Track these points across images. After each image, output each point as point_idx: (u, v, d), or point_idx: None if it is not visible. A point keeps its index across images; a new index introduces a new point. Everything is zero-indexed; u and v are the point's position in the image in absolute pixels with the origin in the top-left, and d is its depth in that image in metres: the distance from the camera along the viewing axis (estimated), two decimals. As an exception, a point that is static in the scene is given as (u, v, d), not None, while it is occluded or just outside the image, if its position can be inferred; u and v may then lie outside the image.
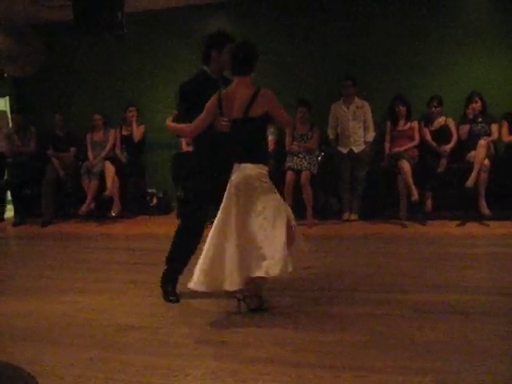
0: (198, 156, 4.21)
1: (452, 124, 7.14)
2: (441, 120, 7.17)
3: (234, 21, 8.28)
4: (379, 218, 7.05)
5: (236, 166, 3.73)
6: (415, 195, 6.55)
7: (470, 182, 6.53)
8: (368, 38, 7.75)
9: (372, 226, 6.83)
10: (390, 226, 6.74)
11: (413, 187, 6.57)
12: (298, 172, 7.07)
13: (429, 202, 6.87)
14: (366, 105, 7.40)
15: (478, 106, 6.96)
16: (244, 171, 3.68)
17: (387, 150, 7.20)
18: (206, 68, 4.18)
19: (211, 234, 3.70)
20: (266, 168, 3.77)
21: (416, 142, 7.11)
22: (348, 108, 7.39)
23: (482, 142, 6.66)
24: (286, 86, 7.79)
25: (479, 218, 6.63)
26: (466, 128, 6.97)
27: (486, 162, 6.61)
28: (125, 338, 3.45)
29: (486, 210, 6.62)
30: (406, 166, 6.67)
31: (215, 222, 3.72)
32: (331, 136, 7.47)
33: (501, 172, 6.77)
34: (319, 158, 7.34)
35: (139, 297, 4.34)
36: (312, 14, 7.95)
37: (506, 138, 6.85)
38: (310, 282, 4.51)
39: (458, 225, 6.58)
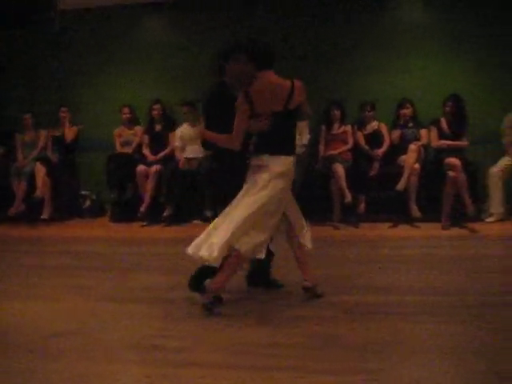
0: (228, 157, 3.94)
1: (384, 128, 7.32)
2: (374, 124, 7.34)
3: (172, 21, 8.22)
4: (313, 220, 7.09)
5: (268, 157, 3.73)
6: (348, 198, 6.67)
7: (400, 185, 6.71)
8: (304, 42, 7.84)
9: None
10: (323, 228, 6.82)
11: (346, 190, 6.69)
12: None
13: (362, 205, 7.02)
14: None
15: (408, 111, 7.17)
16: (284, 163, 3.75)
17: (321, 153, 7.30)
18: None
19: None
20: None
21: (349, 145, 7.24)
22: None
23: (413, 146, 6.86)
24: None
25: (410, 220, 6.82)
26: (397, 133, 7.16)
27: (417, 165, 6.81)
28: (57, 345, 3.34)
29: (416, 213, 6.81)
30: (339, 169, 6.78)
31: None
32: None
33: (430, 176, 6.97)
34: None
35: (72, 302, 4.22)
36: (245, 14, 7.98)
37: (435, 143, 7.06)
38: (245, 285, 4.51)
39: (390, 227, 6.74)
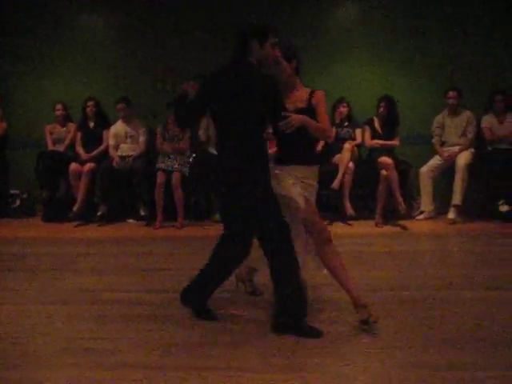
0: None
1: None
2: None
3: (106, 18, 8.08)
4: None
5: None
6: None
7: (335, 184, 6.81)
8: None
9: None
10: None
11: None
12: (168, 173, 7.01)
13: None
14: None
15: (344, 110, 7.29)
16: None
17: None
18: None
19: None
20: None
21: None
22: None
23: (347, 145, 6.98)
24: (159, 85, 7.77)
25: (344, 218, 6.93)
26: (332, 132, 7.26)
27: (351, 164, 6.93)
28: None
29: (350, 211, 6.93)
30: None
31: None
32: (202, 137, 7.47)
33: (364, 174, 7.10)
34: (190, 159, 7.32)
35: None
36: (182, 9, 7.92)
37: (368, 142, 7.20)
38: (182, 283, 4.46)
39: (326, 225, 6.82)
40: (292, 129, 3.35)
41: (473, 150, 7.31)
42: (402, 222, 6.79)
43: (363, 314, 3.41)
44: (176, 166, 7.05)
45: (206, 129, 7.46)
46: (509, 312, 3.73)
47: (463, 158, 7.12)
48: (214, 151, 7.33)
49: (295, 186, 3.60)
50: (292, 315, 3.35)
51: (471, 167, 7.13)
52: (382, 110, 7.11)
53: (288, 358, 3.02)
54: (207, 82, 3.49)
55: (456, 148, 7.29)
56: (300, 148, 3.64)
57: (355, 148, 7.16)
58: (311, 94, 3.68)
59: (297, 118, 3.37)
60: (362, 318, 3.41)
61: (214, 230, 6.74)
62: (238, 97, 3.36)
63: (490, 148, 7.37)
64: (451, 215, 7.00)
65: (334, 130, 7.22)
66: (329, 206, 7.07)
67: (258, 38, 3.41)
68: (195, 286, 3.70)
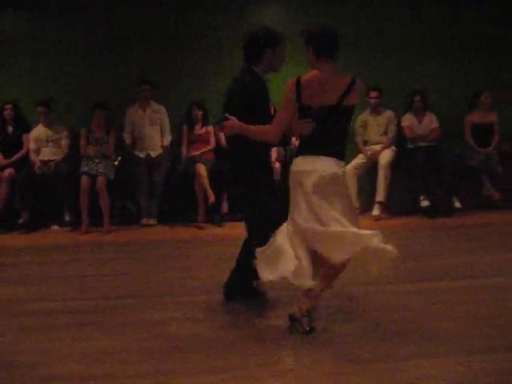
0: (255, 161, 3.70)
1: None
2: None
3: (31, 22, 7.84)
4: (178, 221, 7.09)
5: (313, 158, 3.32)
6: (212, 198, 6.70)
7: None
8: (164, 42, 7.75)
9: (171, 230, 6.85)
10: (188, 229, 6.82)
11: (209, 190, 6.72)
12: (93, 177, 6.85)
13: (225, 204, 7.08)
14: (163, 109, 7.42)
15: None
16: (329, 167, 3.31)
17: (184, 154, 7.27)
18: (254, 68, 3.73)
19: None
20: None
21: (212, 145, 7.28)
22: (144, 112, 7.35)
23: (274, 148, 7.02)
24: (82, 87, 7.58)
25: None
26: (276, 133, 7.30)
27: (277, 165, 6.98)
28: None
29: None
30: (202, 169, 6.80)
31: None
32: (127, 140, 7.36)
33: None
34: (116, 163, 7.18)
35: None
36: (108, 14, 7.75)
37: (296, 143, 7.27)
38: (110, 289, 4.39)
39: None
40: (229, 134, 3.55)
41: (394, 148, 7.54)
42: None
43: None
44: (101, 169, 6.90)
45: (131, 132, 7.35)
46: (431, 302, 3.87)
47: (385, 156, 7.33)
48: (140, 154, 7.24)
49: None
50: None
51: (393, 165, 7.35)
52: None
53: (222, 359, 3.01)
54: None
55: (378, 146, 7.49)
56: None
57: (281, 148, 7.20)
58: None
59: (229, 125, 3.46)
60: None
61: (144, 235, 6.71)
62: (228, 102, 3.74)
63: (410, 146, 7.62)
64: (376, 212, 7.19)
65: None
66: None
67: (271, 47, 3.66)
68: (236, 280, 3.95)
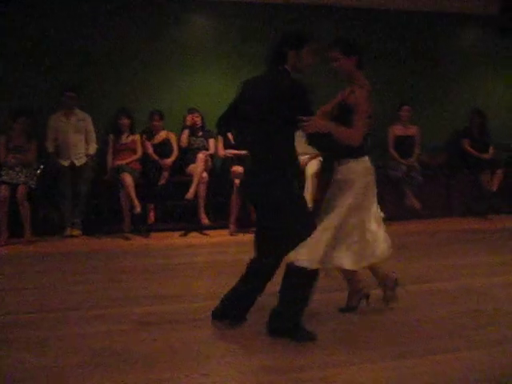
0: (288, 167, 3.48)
1: (173, 138, 7.38)
2: (162, 134, 7.35)
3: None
4: (103, 232, 6.93)
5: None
6: (138, 208, 6.59)
7: (190, 194, 6.81)
8: (91, 49, 7.57)
9: (96, 241, 6.68)
10: (114, 240, 6.67)
11: (135, 200, 6.61)
12: (13, 186, 6.59)
13: (151, 214, 6.98)
14: (88, 117, 7.25)
15: (198, 120, 7.31)
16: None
17: (110, 163, 7.13)
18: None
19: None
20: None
21: (138, 155, 7.17)
22: (68, 120, 7.15)
23: (201, 155, 7.01)
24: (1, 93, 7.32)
25: (200, 227, 6.94)
26: (185, 133, 7.30)
27: (205, 174, 6.97)
28: None
29: (205, 220, 6.96)
30: (128, 178, 6.68)
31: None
32: (50, 149, 7.13)
33: (218, 184, 7.17)
34: (38, 171, 6.95)
35: None
36: (32, 17, 7.50)
37: (222, 152, 7.28)
38: (27, 303, 4.22)
39: (180, 235, 6.81)
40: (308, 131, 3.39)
41: (321, 158, 7.64)
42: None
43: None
44: (22, 178, 6.65)
45: (54, 139, 7.13)
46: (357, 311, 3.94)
47: (312, 167, 7.41)
48: (64, 163, 7.03)
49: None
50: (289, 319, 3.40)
51: (320, 175, 7.44)
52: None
53: (149, 371, 2.94)
54: (240, 88, 3.63)
55: (305, 157, 7.58)
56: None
57: (209, 158, 7.21)
58: (352, 91, 3.57)
59: (314, 124, 3.35)
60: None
61: (68, 246, 6.50)
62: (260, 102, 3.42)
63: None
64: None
65: (187, 137, 7.23)
66: (184, 216, 7.06)
67: (294, 48, 3.45)
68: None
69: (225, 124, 3.90)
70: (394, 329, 3.59)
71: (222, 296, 3.69)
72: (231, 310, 3.66)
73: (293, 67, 3.48)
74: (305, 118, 3.30)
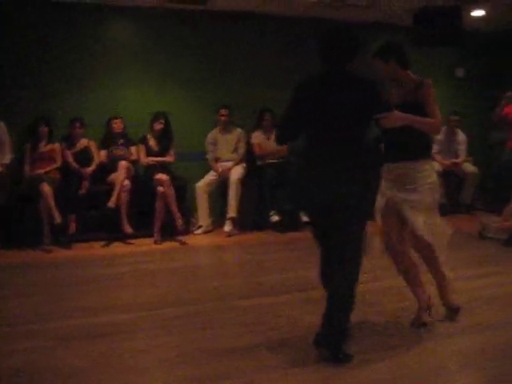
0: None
1: (94, 146, 7.20)
2: (83, 142, 7.17)
3: None
4: (21, 245, 6.63)
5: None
6: (58, 218, 6.38)
7: (111, 203, 6.66)
8: (6, 55, 7.26)
9: (13, 254, 6.37)
10: (33, 252, 6.38)
11: (55, 210, 6.40)
12: None
13: (72, 225, 6.77)
14: (2, 125, 6.94)
15: (119, 127, 7.17)
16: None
17: (27, 173, 6.86)
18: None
19: None
20: None
21: (57, 163, 6.94)
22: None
23: (123, 163, 6.87)
24: None
25: (123, 237, 6.80)
26: (104, 152, 7.14)
27: (127, 182, 6.83)
28: None
29: (128, 229, 6.82)
30: (46, 188, 6.45)
31: None
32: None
33: (140, 192, 7.05)
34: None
35: None
36: None
37: (144, 159, 7.17)
38: None
39: (103, 245, 6.64)
40: (391, 126, 3.36)
41: (244, 164, 7.68)
42: (180, 238, 6.86)
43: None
44: None
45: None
46: (277, 315, 3.95)
47: (236, 173, 7.45)
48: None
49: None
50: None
51: (244, 181, 7.48)
52: (157, 126, 7.14)
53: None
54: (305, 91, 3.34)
55: (229, 163, 7.60)
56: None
57: (131, 165, 7.08)
58: (419, 85, 3.62)
59: (394, 117, 3.35)
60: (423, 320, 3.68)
61: None
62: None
63: (259, 162, 7.81)
64: (227, 228, 7.26)
65: (105, 151, 7.08)
66: (106, 225, 6.89)
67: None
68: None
69: (293, 132, 3.44)
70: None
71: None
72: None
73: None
74: (383, 114, 3.31)
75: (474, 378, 2.99)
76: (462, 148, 8.61)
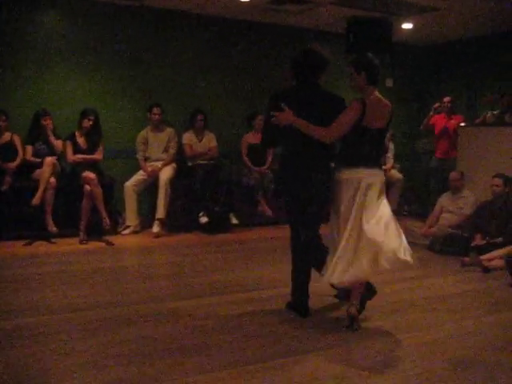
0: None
1: (18, 140, 6.93)
2: (6, 135, 6.89)
3: None
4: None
5: (364, 169, 3.78)
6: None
7: (36, 200, 6.44)
8: None
9: None
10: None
11: None
12: None
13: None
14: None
15: (48, 124, 6.92)
16: (375, 175, 3.81)
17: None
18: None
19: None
20: None
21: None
22: None
23: (48, 160, 6.66)
24: None
25: (47, 235, 6.58)
26: (29, 148, 6.89)
27: (52, 179, 6.62)
28: None
29: (52, 228, 6.62)
30: None
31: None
32: None
33: (67, 189, 6.86)
34: None
35: None
36: None
37: (71, 157, 6.96)
38: None
39: (24, 244, 6.40)
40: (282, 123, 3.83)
41: (175, 165, 7.61)
42: (107, 238, 6.71)
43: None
44: None
45: None
46: (204, 317, 3.93)
47: (166, 173, 7.36)
48: None
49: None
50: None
51: (173, 181, 7.40)
52: (86, 123, 6.95)
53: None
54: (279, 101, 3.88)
55: (159, 163, 7.50)
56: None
57: (57, 162, 6.86)
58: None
59: (283, 116, 3.80)
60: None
61: None
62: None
63: (190, 163, 7.76)
64: (155, 229, 7.16)
65: (31, 147, 6.85)
66: (30, 223, 6.66)
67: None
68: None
69: (273, 137, 4.12)
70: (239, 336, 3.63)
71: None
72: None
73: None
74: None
75: (395, 377, 3.06)
76: (390, 155, 8.85)
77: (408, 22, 8.38)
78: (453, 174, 6.90)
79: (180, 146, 7.78)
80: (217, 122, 8.17)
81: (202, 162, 7.74)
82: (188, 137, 7.82)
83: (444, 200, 6.89)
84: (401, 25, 8.42)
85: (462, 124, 8.06)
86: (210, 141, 7.93)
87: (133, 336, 3.58)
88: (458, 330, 3.84)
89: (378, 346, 3.49)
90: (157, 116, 7.54)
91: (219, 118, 8.25)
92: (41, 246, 6.39)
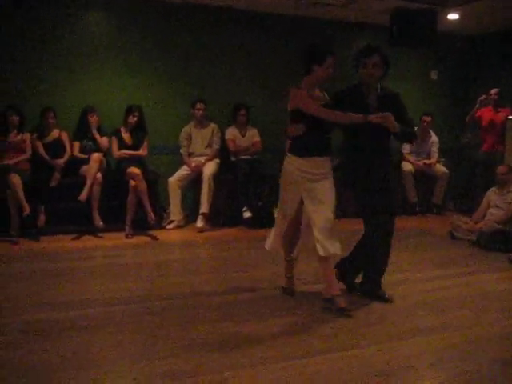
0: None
1: (66, 137, 7.08)
2: (55, 132, 7.05)
3: None
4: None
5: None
6: (27, 210, 6.27)
7: (83, 196, 6.57)
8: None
9: (-20, 245, 6.26)
10: (1, 244, 6.28)
11: (24, 202, 6.28)
12: None
13: (42, 217, 6.66)
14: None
15: (94, 121, 7.05)
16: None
17: (-5, 163, 6.71)
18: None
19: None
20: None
21: (27, 154, 6.82)
22: None
23: (95, 156, 6.78)
24: None
25: (94, 230, 6.72)
26: (77, 144, 7.04)
27: (99, 175, 6.75)
28: None
29: (99, 223, 6.74)
30: (16, 179, 6.33)
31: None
32: None
33: (112, 185, 6.97)
34: None
35: None
36: None
37: (116, 152, 7.07)
38: None
39: (72, 238, 6.54)
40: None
41: (218, 160, 7.65)
42: (152, 232, 6.80)
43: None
44: None
45: None
46: (247, 312, 3.94)
47: (209, 168, 7.41)
48: None
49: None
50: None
51: (217, 177, 7.45)
52: (131, 119, 7.05)
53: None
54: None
55: (202, 158, 7.55)
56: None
57: (103, 158, 6.98)
58: None
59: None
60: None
61: None
62: None
63: (233, 158, 7.78)
64: (199, 223, 7.22)
65: (77, 143, 7.00)
66: (77, 218, 6.80)
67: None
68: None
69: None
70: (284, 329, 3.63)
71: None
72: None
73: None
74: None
75: (442, 375, 3.01)
76: (435, 149, 8.70)
77: (454, 12, 8.21)
78: (500, 168, 6.75)
79: (223, 141, 7.82)
80: (260, 117, 8.16)
81: (245, 156, 7.76)
82: (231, 132, 7.85)
83: (491, 195, 6.74)
84: (446, 15, 8.25)
85: (511, 117, 7.87)
86: (253, 136, 7.95)
87: (177, 329, 3.62)
88: (507, 329, 3.77)
89: (425, 343, 3.44)
90: (200, 111, 7.59)
91: (262, 113, 8.25)
92: (88, 241, 6.52)
